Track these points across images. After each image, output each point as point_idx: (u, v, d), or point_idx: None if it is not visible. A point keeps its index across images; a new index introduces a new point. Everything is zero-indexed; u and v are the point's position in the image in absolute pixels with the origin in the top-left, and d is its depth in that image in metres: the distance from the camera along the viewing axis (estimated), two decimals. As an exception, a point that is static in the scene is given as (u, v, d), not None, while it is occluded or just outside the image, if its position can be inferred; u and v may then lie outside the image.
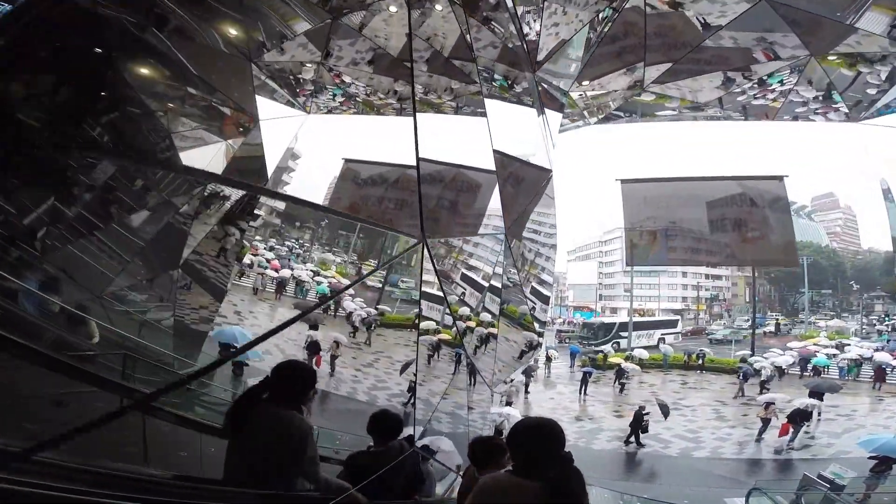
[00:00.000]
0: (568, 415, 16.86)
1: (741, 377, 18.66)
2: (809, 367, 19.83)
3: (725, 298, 49.72)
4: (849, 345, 22.20)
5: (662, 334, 28.77)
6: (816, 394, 13.94)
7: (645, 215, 10.54)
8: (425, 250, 3.35)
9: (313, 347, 5.63)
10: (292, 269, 6.06)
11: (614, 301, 47.53)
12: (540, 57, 8.98)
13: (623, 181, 11.04)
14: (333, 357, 5.87)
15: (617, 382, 19.55)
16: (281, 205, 5.77)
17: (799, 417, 12.60)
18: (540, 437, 1.86)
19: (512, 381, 17.09)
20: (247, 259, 5.46)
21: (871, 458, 8.30)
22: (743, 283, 49.25)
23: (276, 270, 5.58)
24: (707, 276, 49.00)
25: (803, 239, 45.34)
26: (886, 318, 34.14)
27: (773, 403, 13.43)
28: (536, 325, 13.39)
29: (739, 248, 10.11)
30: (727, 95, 10.93)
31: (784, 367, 19.69)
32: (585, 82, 9.51)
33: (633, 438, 13.43)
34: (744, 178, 10.83)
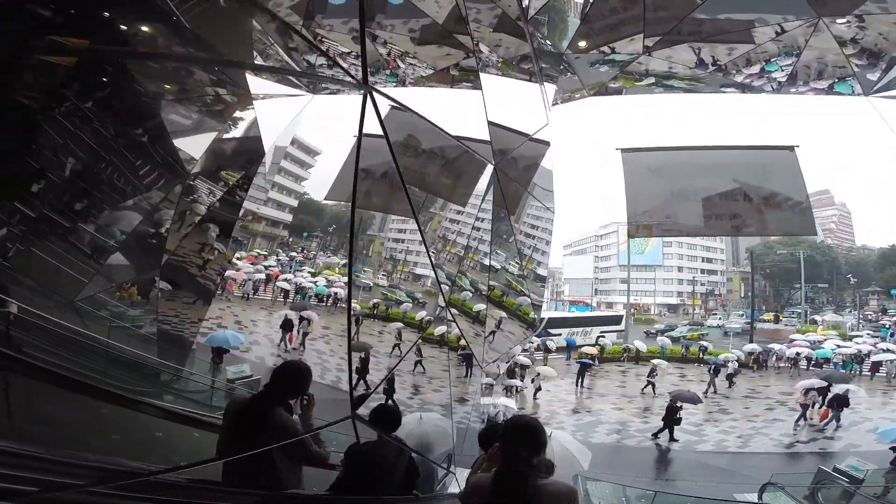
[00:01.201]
0: (565, 407, 16.40)
1: (711, 371, 18.34)
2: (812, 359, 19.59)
3: (721, 293, 49.62)
4: (860, 336, 22.03)
5: (602, 331, 26.90)
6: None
7: (648, 185, 9.87)
8: (370, 103, 2.74)
9: (287, 325, 5.54)
10: (295, 276, 6.39)
11: (610, 295, 47.21)
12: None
13: (623, 150, 10.37)
14: (305, 334, 5.64)
15: (646, 379, 18.17)
16: (288, 216, 5.65)
17: (837, 403, 12.45)
18: (512, 436, 1.96)
19: (537, 377, 17.24)
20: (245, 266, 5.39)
21: (892, 448, 7.79)
22: (738, 278, 49.20)
23: (276, 277, 5.80)
24: (703, 272, 48.93)
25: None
26: (884, 313, 34.09)
27: (813, 390, 13.12)
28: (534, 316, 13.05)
29: (752, 217, 9.51)
30: (723, 76, 10.40)
31: (800, 357, 19.42)
32: (582, 43, 8.95)
33: (664, 433, 12.71)
34: (752, 148, 10.21)
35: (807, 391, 12.92)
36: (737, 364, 18.72)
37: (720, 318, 39.36)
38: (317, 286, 7.16)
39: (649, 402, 16.70)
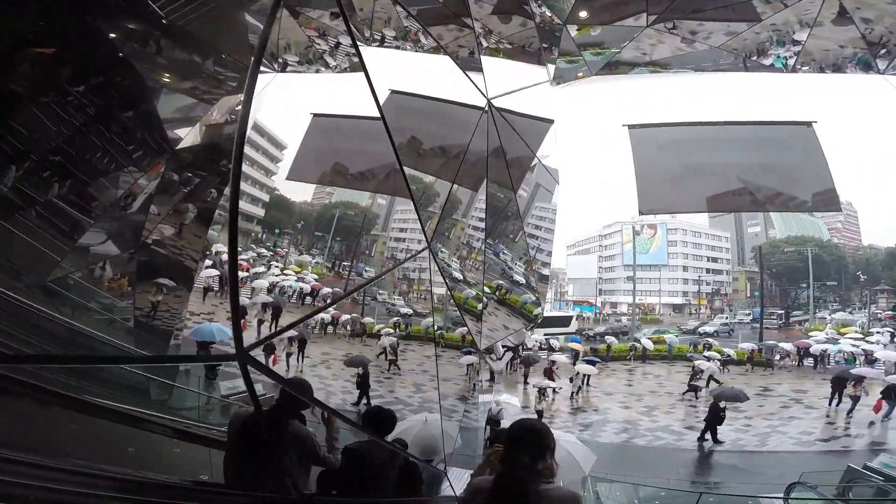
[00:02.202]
0: (571, 406, 15.84)
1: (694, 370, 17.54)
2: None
3: (727, 293, 48.91)
4: (880, 333, 21.67)
5: (546, 335, 23.73)
6: (841, 380, 12.93)
7: (658, 162, 9.38)
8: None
9: (268, 349, 5.23)
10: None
11: (615, 295, 46.65)
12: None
13: (631, 126, 9.90)
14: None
15: (688, 385, 16.75)
16: (260, 211, 5.42)
17: (893, 393, 11.89)
18: (515, 441, 1.92)
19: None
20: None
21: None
22: (744, 277, 48.51)
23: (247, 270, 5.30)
24: (708, 271, 48.28)
25: (805, 234, 44.83)
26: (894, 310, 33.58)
27: (864, 379, 12.61)
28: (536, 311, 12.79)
29: (772, 193, 9.00)
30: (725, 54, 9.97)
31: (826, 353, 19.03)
32: (583, 13, 8.60)
33: (708, 435, 11.94)
34: (768, 123, 9.68)
35: (855, 383, 12.24)
36: (719, 363, 18.03)
37: (727, 318, 38.69)
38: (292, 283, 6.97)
39: (657, 401, 16.16)
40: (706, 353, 19.32)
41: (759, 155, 9.27)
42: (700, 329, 31.51)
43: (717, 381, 16.57)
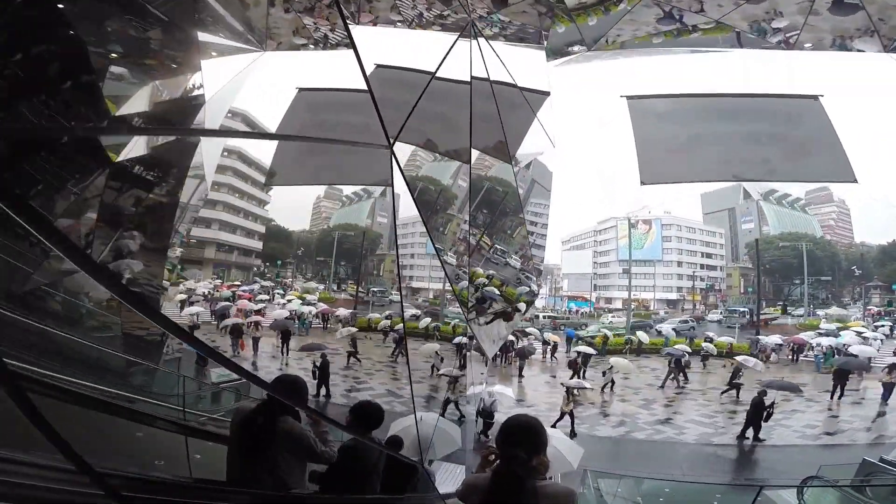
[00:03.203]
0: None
1: (671, 363, 17.18)
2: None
3: (721, 289, 48.92)
4: (883, 326, 21.55)
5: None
6: (843, 372, 12.59)
7: (659, 131, 8.94)
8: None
9: (236, 331, 5.00)
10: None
11: (609, 290, 46.46)
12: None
13: (629, 97, 9.42)
14: (255, 339, 5.30)
15: (731, 384, 15.15)
16: (258, 244, 5.08)
17: None
18: (510, 437, 1.90)
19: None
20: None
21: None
22: (738, 273, 48.51)
23: (250, 300, 5.54)
24: (702, 267, 48.25)
25: (798, 230, 44.83)
26: (890, 306, 33.67)
27: None
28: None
29: (783, 162, 8.56)
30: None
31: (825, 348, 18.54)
32: None
33: (749, 432, 11.01)
34: (773, 96, 9.20)
35: (891, 369, 11.81)
36: (687, 356, 17.61)
37: (720, 313, 38.63)
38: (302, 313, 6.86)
39: (655, 395, 15.79)
40: (677, 346, 18.82)
41: (768, 125, 8.83)
42: (658, 327, 29.45)
43: (685, 375, 16.08)
